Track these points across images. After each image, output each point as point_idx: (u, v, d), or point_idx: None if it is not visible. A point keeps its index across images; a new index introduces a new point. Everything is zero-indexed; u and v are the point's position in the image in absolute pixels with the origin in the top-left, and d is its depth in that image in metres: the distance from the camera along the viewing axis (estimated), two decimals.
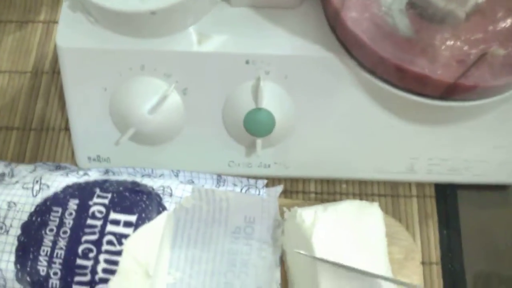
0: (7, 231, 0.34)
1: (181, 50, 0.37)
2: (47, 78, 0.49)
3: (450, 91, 0.33)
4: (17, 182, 0.37)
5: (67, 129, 0.47)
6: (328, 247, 0.34)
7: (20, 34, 0.51)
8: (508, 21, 0.33)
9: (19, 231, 0.34)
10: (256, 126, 0.37)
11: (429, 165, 0.40)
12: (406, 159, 0.40)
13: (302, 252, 0.35)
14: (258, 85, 0.37)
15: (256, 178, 0.43)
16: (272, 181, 0.44)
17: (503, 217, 0.43)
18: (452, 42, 0.32)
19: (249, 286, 0.38)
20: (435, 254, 0.42)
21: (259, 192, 0.39)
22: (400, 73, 0.33)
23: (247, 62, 0.37)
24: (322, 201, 0.43)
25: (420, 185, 0.44)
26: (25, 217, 0.34)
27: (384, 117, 0.38)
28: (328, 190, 0.44)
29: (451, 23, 0.32)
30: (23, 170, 0.39)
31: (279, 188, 0.39)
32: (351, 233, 0.35)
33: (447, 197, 0.43)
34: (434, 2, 0.31)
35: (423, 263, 0.41)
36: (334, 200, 0.43)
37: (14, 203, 0.35)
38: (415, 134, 0.39)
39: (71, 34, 0.38)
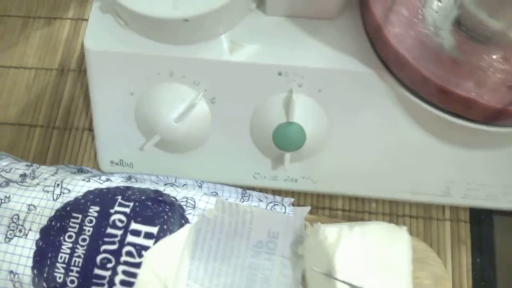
0: (26, 235, 0.34)
1: (211, 58, 0.36)
2: (73, 76, 0.49)
3: (495, 117, 0.31)
4: (38, 184, 0.36)
5: (90, 129, 0.46)
6: (350, 268, 0.33)
7: (48, 30, 0.51)
8: None
9: (38, 236, 0.34)
10: (286, 141, 0.36)
11: (466, 190, 0.38)
12: (443, 182, 0.38)
13: (321, 271, 0.33)
14: (291, 98, 0.35)
15: (281, 191, 0.42)
16: (298, 195, 0.42)
17: None
18: (501, 66, 0.30)
19: None
20: (466, 282, 0.40)
21: (285, 210, 0.37)
22: (444, 95, 0.31)
23: (279, 73, 0.36)
24: (350, 219, 0.42)
25: (454, 209, 0.41)
26: (44, 221, 0.34)
27: (422, 137, 0.37)
28: (356, 208, 0.42)
29: (502, 45, 0.30)
30: (44, 172, 0.38)
31: (307, 209, 0.38)
32: (375, 256, 0.34)
33: (482, 222, 0.41)
34: (485, 22, 0.29)
35: None
36: (362, 219, 0.42)
37: (34, 206, 0.34)
38: (454, 157, 0.37)
39: (99, 36, 0.37)
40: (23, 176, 0.38)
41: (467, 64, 0.30)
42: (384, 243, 0.34)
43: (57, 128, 0.46)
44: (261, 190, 0.42)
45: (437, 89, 0.31)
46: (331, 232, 0.34)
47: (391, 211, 0.42)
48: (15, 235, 0.34)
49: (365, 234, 0.34)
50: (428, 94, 0.32)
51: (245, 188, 0.41)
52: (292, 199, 0.38)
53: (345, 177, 0.39)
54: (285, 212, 0.37)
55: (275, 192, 0.42)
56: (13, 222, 0.34)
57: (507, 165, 0.38)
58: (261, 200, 0.38)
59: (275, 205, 0.37)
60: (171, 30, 0.34)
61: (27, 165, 0.39)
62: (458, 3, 0.32)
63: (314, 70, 0.35)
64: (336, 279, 0.32)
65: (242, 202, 0.38)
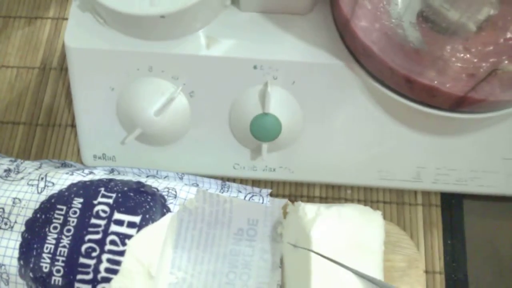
0: (11, 227, 0.35)
1: (189, 53, 0.37)
2: (55, 74, 0.49)
3: (459, 104, 0.33)
4: (22, 178, 0.37)
5: (73, 125, 0.47)
6: (325, 243, 0.34)
7: (29, 29, 0.51)
8: None
9: (23, 228, 0.34)
10: (262, 131, 0.37)
11: (436, 175, 0.40)
12: (413, 168, 0.40)
13: (298, 245, 0.35)
14: (266, 90, 0.37)
15: (261, 181, 0.43)
16: (277, 185, 0.44)
17: (508, 228, 0.43)
18: (462, 55, 0.32)
19: (250, 287, 0.38)
20: (439, 263, 0.41)
21: (263, 200, 0.38)
22: (409, 84, 0.32)
23: (255, 67, 0.37)
24: None
25: (426, 194, 0.43)
26: (29, 214, 0.35)
27: (392, 125, 0.38)
28: (333, 196, 0.44)
29: (462, 35, 0.32)
30: (28, 167, 0.39)
31: (283, 201, 0.39)
32: (350, 234, 0.35)
33: (452, 206, 0.43)
34: (445, 14, 0.30)
35: (426, 272, 0.41)
36: None
37: (19, 200, 0.35)
38: (423, 143, 0.39)
39: (79, 34, 0.38)
40: (8, 171, 0.39)
41: (430, 54, 0.32)
42: (359, 224, 0.36)
43: (40, 125, 0.47)
44: (241, 181, 0.43)
45: (402, 79, 0.32)
46: (310, 209, 0.36)
47: (366, 197, 0.43)
48: (0, 228, 0.34)
49: (341, 214, 0.36)
50: (394, 83, 0.34)
51: (225, 179, 0.42)
52: (270, 190, 0.39)
53: (320, 165, 0.41)
54: (263, 203, 0.38)
55: (255, 182, 0.43)
56: None
57: (474, 150, 0.39)
58: (240, 191, 0.39)
59: (253, 195, 0.39)
60: (149, 26, 0.35)
61: (11, 161, 0.40)
62: None
63: (288, 63, 0.37)
64: (314, 252, 0.33)
65: (222, 193, 0.39)
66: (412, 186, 0.41)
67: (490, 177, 0.40)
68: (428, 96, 0.33)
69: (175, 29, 0.36)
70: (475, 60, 0.32)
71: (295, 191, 0.44)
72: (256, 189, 0.40)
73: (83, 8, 0.38)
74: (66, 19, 0.51)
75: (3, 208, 0.35)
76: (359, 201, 0.43)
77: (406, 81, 0.32)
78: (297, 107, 0.38)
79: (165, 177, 0.41)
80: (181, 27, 0.36)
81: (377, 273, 0.35)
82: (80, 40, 0.38)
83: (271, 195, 0.40)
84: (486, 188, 0.41)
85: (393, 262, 0.39)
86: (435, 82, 0.31)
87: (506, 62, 0.29)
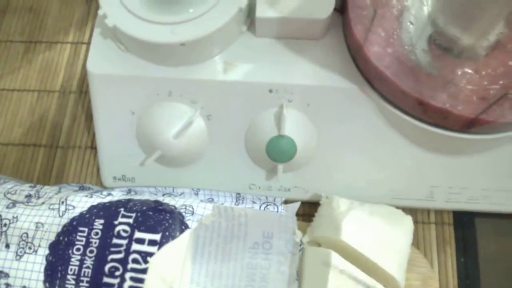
0: (35, 251, 0.35)
1: (207, 78, 0.38)
2: (75, 97, 0.51)
3: (470, 125, 0.34)
4: (43, 203, 0.38)
5: (92, 147, 0.48)
6: (354, 234, 0.35)
7: (49, 54, 0.53)
8: None
9: (47, 251, 0.35)
10: (278, 153, 0.38)
11: (449, 194, 0.41)
12: (426, 187, 0.41)
13: (325, 236, 0.36)
14: (281, 113, 0.38)
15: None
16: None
17: None
18: (473, 78, 0.33)
19: None
20: (452, 281, 0.42)
21: (277, 209, 0.39)
22: (422, 106, 0.33)
23: (270, 91, 0.38)
24: None
25: (439, 212, 0.44)
26: (52, 237, 0.36)
27: (405, 146, 0.39)
28: None
29: (472, 59, 0.33)
30: (48, 192, 0.40)
31: (296, 204, 0.40)
32: (379, 231, 0.36)
33: (465, 224, 0.44)
34: (456, 40, 0.32)
35: None
36: None
37: (42, 224, 0.36)
38: (436, 163, 0.40)
39: (101, 60, 0.39)
40: (29, 196, 0.40)
41: (441, 77, 0.33)
42: (389, 223, 0.37)
43: (61, 147, 0.49)
44: None
45: (415, 102, 0.33)
46: (344, 202, 0.38)
47: None
48: (25, 252, 0.35)
49: (373, 211, 0.37)
50: (407, 106, 0.35)
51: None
52: (283, 198, 0.40)
53: (334, 185, 0.42)
54: (277, 211, 0.39)
55: None
56: (23, 240, 0.36)
57: (485, 169, 0.40)
58: (255, 202, 0.40)
59: (268, 205, 0.40)
60: (169, 53, 0.37)
61: (31, 186, 0.41)
62: (431, 21, 0.35)
63: (302, 87, 0.38)
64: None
65: (237, 205, 0.40)
66: (425, 205, 0.42)
67: (501, 195, 0.41)
68: (440, 118, 0.34)
69: (194, 55, 0.38)
70: (485, 83, 0.33)
71: (309, 210, 0.45)
72: (270, 198, 0.41)
73: (105, 35, 0.40)
74: (85, 43, 0.53)
75: (26, 233, 0.36)
76: None
77: (418, 103, 0.33)
78: (312, 129, 0.39)
79: (181, 194, 0.42)
80: (199, 53, 0.38)
81: (400, 273, 0.35)
82: (102, 66, 0.39)
83: (284, 203, 0.40)
84: (498, 206, 0.41)
85: (408, 281, 0.40)
86: (447, 105, 0.32)
87: None
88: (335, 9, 0.37)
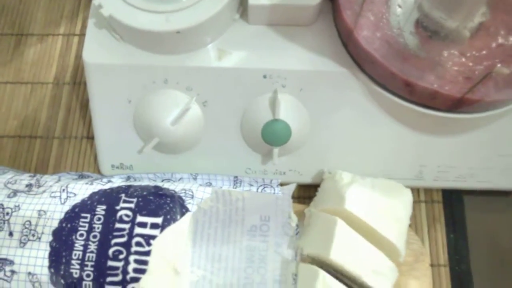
0: (39, 238, 0.36)
1: (202, 65, 0.39)
2: (69, 88, 0.51)
3: (457, 105, 0.35)
4: (44, 191, 0.39)
5: (89, 137, 0.49)
6: (357, 204, 0.37)
7: (41, 46, 0.53)
8: (510, 38, 0.35)
9: (50, 238, 0.36)
10: (273, 136, 0.39)
11: (437, 172, 0.43)
12: (415, 166, 0.42)
13: (330, 207, 0.38)
14: (275, 97, 0.39)
15: None
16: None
17: (507, 221, 0.45)
18: (458, 59, 0.34)
19: (268, 280, 0.40)
20: (443, 256, 0.44)
21: (274, 190, 0.41)
22: (410, 88, 0.35)
23: (264, 76, 0.39)
24: None
25: (428, 191, 0.46)
26: (55, 224, 0.36)
27: (395, 127, 0.41)
28: None
29: (458, 41, 0.34)
30: (48, 180, 0.41)
31: (292, 186, 0.41)
32: (380, 201, 0.38)
33: (453, 202, 0.45)
34: (442, 23, 0.33)
35: (432, 265, 0.43)
36: None
37: (44, 211, 0.37)
38: (424, 143, 0.41)
39: (97, 50, 0.40)
40: (29, 186, 0.40)
41: (429, 59, 0.34)
42: (390, 195, 0.39)
43: (57, 138, 0.49)
44: None
45: (403, 83, 0.35)
46: (346, 175, 0.40)
47: None
48: (29, 240, 0.36)
49: (375, 183, 0.39)
50: (396, 88, 0.36)
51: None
52: (280, 180, 0.41)
53: (327, 167, 0.43)
54: (274, 193, 0.40)
55: None
56: (26, 228, 0.36)
57: (471, 148, 0.42)
58: (252, 185, 0.41)
59: (265, 187, 0.41)
60: (164, 41, 0.38)
61: (30, 176, 0.42)
62: (418, 5, 0.36)
63: (295, 72, 0.39)
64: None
65: (235, 188, 0.41)
66: (415, 184, 0.44)
67: (487, 173, 0.42)
68: (428, 99, 0.35)
69: (189, 43, 0.38)
70: (471, 64, 0.35)
71: (303, 193, 0.46)
72: (267, 180, 0.42)
73: (99, 25, 0.40)
74: (77, 35, 0.54)
75: (29, 221, 0.37)
76: None
77: (406, 85, 0.35)
78: (305, 112, 0.40)
79: (179, 179, 0.43)
80: (194, 41, 0.39)
81: (400, 241, 0.37)
82: (98, 55, 0.40)
83: (281, 185, 0.42)
84: (485, 184, 0.43)
85: None
86: (434, 85, 0.34)
87: (499, 65, 0.31)
88: None
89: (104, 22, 0.40)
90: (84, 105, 0.50)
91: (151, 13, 0.36)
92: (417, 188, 0.45)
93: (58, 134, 0.49)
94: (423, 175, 0.43)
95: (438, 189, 0.45)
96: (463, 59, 0.35)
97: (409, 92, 0.36)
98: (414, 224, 0.45)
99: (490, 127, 0.40)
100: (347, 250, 0.36)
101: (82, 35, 0.53)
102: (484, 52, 0.35)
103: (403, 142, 0.41)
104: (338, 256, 0.36)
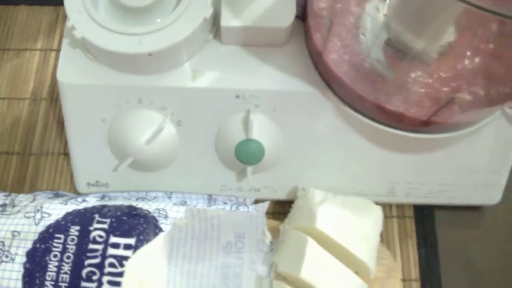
0: (12, 259, 0.36)
1: (176, 85, 0.39)
2: (46, 104, 0.51)
3: (423, 126, 0.36)
4: (18, 211, 0.39)
5: (65, 153, 0.49)
6: (328, 222, 0.38)
7: (18, 61, 0.53)
8: (475, 60, 0.36)
9: (24, 259, 0.36)
10: (246, 155, 0.40)
11: (408, 189, 0.43)
12: (387, 183, 0.43)
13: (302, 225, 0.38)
14: (248, 117, 0.39)
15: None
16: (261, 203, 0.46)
17: (477, 236, 0.46)
18: (425, 81, 0.35)
19: None
20: (414, 271, 0.44)
21: (248, 209, 0.41)
22: (378, 110, 0.36)
23: (237, 96, 0.40)
24: None
25: (400, 207, 0.46)
26: (29, 244, 0.37)
27: (366, 146, 0.41)
28: None
29: (425, 62, 0.35)
30: (23, 200, 0.41)
31: (266, 204, 0.41)
32: (351, 219, 0.39)
33: (424, 217, 0.46)
34: (408, 43, 0.34)
35: (403, 280, 0.44)
36: None
37: (18, 232, 0.37)
38: (395, 161, 0.42)
39: (71, 70, 0.40)
40: (3, 205, 0.40)
41: (396, 81, 0.35)
42: (360, 212, 0.40)
43: (34, 154, 0.49)
44: None
45: (371, 105, 0.35)
46: (319, 193, 0.41)
47: None
48: (2, 261, 0.36)
49: (346, 201, 0.40)
50: (365, 109, 0.37)
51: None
52: (254, 199, 0.42)
53: (301, 184, 0.44)
54: (248, 211, 0.41)
55: None
56: None
57: (441, 165, 0.43)
58: (226, 203, 0.42)
59: (239, 205, 0.41)
60: (137, 63, 0.38)
61: (5, 195, 0.42)
62: (386, 28, 0.37)
63: (268, 92, 0.40)
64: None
65: (209, 206, 0.41)
66: (387, 200, 0.44)
67: (457, 189, 0.44)
68: (395, 120, 0.36)
69: (162, 63, 0.39)
70: (437, 86, 0.36)
71: (278, 209, 0.47)
72: (241, 199, 0.42)
73: (73, 45, 0.41)
74: (54, 50, 0.53)
75: (3, 242, 0.37)
76: None
77: (375, 107, 0.36)
78: (278, 131, 0.41)
79: (154, 198, 0.43)
80: (168, 62, 0.39)
81: (369, 259, 0.38)
82: (72, 75, 0.40)
83: (255, 203, 0.42)
84: (454, 200, 0.44)
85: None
86: (401, 108, 0.34)
87: (459, 94, 0.32)
88: (297, 17, 0.39)
89: (78, 42, 0.40)
90: (61, 121, 0.50)
91: (124, 35, 0.37)
92: (389, 204, 0.46)
93: (35, 150, 0.49)
94: (394, 191, 0.44)
95: (409, 205, 0.46)
96: (430, 81, 0.35)
97: (377, 114, 0.36)
98: (386, 239, 0.45)
99: (459, 145, 0.41)
100: (318, 269, 0.37)
101: (59, 50, 0.52)
102: (450, 73, 0.36)
103: (374, 160, 0.42)
104: (308, 275, 0.36)
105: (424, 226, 0.46)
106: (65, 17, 0.54)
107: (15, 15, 0.55)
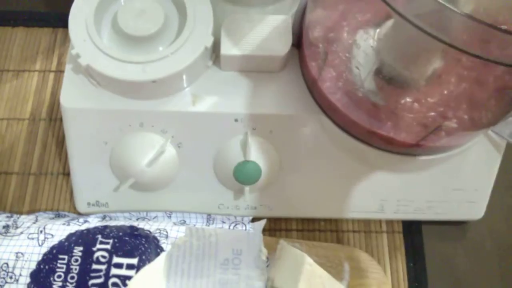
0: (17, 280, 0.37)
1: (176, 110, 0.41)
2: (44, 124, 0.52)
3: (412, 150, 0.38)
4: (21, 233, 0.40)
5: (65, 173, 0.50)
6: None
7: (17, 82, 0.54)
8: (461, 86, 0.39)
9: (28, 279, 0.37)
10: (244, 176, 0.42)
11: (397, 206, 0.46)
12: (377, 201, 0.46)
13: None
14: (246, 140, 0.41)
15: (243, 217, 0.48)
16: (258, 220, 0.48)
17: (462, 249, 0.48)
18: (414, 106, 0.37)
19: None
20: (403, 284, 0.47)
21: (246, 227, 0.43)
22: (369, 134, 0.38)
23: (236, 120, 0.42)
24: (303, 237, 0.48)
25: (389, 222, 0.49)
26: (33, 266, 0.37)
27: (357, 166, 0.43)
28: (308, 228, 0.48)
29: (414, 89, 0.37)
30: (26, 221, 0.42)
31: (263, 222, 0.43)
32: None
33: (413, 232, 0.48)
34: (401, 73, 0.36)
35: None
36: (314, 236, 0.48)
37: (22, 253, 0.38)
38: (385, 181, 0.44)
39: (74, 95, 0.41)
40: (6, 227, 0.41)
41: (387, 107, 0.37)
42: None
43: (33, 174, 0.50)
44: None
45: (363, 130, 0.38)
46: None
47: (337, 227, 0.48)
48: (6, 282, 0.37)
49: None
50: (357, 133, 0.39)
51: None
52: (251, 217, 0.43)
53: (296, 202, 0.45)
54: (245, 229, 0.42)
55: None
56: (3, 270, 0.37)
57: (428, 184, 0.45)
58: (224, 222, 0.43)
59: (236, 224, 0.43)
60: (140, 89, 0.40)
61: (7, 216, 0.42)
62: (378, 58, 0.39)
63: (265, 116, 0.41)
64: None
65: (208, 225, 0.43)
66: (377, 216, 0.47)
67: (444, 205, 0.46)
68: (386, 144, 0.38)
69: (164, 89, 0.40)
70: (425, 111, 0.38)
71: (274, 225, 0.48)
72: (239, 218, 0.44)
73: (77, 71, 0.42)
74: (53, 71, 0.54)
75: (7, 263, 0.37)
76: (331, 231, 0.48)
77: (366, 132, 0.38)
78: (275, 153, 0.43)
79: (154, 218, 0.44)
80: (169, 88, 0.41)
81: None
82: (75, 100, 0.41)
83: (252, 221, 0.44)
84: (441, 215, 0.46)
85: (364, 287, 0.44)
86: (391, 133, 0.37)
87: (448, 121, 0.34)
88: (293, 45, 0.41)
89: (81, 68, 0.41)
90: (60, 141, 0.51)
91: (128, 63, 0.38)
92: (379, 220, 0.48)
93: (34, 170, 0.50)
94: (384, 208, 0.46)
95: (398, 221, 0.49)
96: (418, 107, 0.38)
97: (369, 138, 0.38)
98: (376, 254, 0.48)
99: (445, 165, 0.44)
100: (314, 287, 0.38)
101: (58, 71, 0.54)
102: (437, 99, 0.38)
103: (366, 180, 0.44)
104: None
105: (412, 241, 0.48)
106: (63, 39, 0.56)
107: (13, 37, 0.56)
